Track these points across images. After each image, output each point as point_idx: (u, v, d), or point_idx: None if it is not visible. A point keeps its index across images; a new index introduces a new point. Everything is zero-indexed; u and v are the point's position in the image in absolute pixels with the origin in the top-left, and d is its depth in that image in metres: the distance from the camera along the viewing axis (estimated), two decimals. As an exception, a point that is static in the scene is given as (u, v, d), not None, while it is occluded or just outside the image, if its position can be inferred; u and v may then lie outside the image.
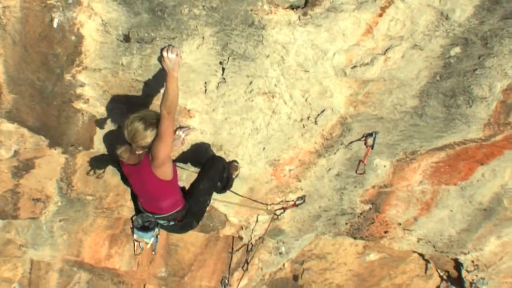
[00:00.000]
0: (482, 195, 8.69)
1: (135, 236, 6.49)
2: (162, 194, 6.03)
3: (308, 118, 6.50)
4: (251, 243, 10.34)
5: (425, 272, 12.64)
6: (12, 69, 5.48)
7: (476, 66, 5.93)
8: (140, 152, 5.57)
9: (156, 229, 6.35)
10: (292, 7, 5.23)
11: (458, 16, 5.33)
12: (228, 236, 10.31)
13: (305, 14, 5.21)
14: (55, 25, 5.22)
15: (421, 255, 11.89)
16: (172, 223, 6.34)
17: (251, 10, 5.17)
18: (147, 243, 6.54)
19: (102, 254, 10.22)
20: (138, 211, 6.41)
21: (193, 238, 10.48)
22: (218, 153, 6.94)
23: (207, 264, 11.11)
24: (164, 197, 6.06)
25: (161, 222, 6.31)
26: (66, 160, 7.13)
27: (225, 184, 7.02)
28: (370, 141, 6.95)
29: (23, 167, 7.21)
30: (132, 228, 6.40)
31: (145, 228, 6.32)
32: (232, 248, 10.75)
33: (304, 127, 6.65)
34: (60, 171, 7.38)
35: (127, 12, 5.11)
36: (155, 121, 5.40)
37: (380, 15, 5.31)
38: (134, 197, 6.40)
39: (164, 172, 5.65)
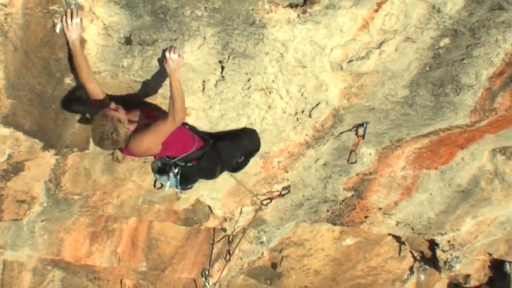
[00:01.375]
0: (461, 178, 9.01)
1: (159, 180, 6.67)
2: (162, 153, 6.11)
3: (302, 111, 6.66)
4: (233, 234, 10.47)
5: (399, 254, 12.98)
6: (12, 75, 5.48)
7: (464, 56, 6.16)
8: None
9: (172, 173, 6.39)
10: (291, 6, 5.36)
11: (449, 8, 5.54)
12: (209, 228, 10.41)
13: (304, 12, 5.35)
14: (57, 30, 5.27)
15: (396, 237, 12.20)
16: (189, 164, 6.37)
17: (252, 9, 5.28)
18: (164, 186, 6.66)
19: (83, 251, 10.23)
20: None
21: (174, 231, 10.57)
22: (211, 149, 7.03)
23: (187, 257, 11.20)
24: (165, 151, 6.10)
25: (179, 163, 6.36)
26: (57, 161, 7.14)
27: (240, 165, 7.11)
28: (361, 131, 7.14)
29: (12, 170, 7.18)
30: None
31: (161, 171, 6.44)
32: (213, 240, 10.85)
33: (297, 120, 6.81)
34: (49, 172, 7.39)
35: (129, 15, 5.16)
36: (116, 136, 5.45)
37: (376, 11, 5.49)
38: None
39: (148, 154, 5.85)
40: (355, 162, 7.66)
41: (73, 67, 5.56)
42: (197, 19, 5.29)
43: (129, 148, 5.68)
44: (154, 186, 7.07)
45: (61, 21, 5.16)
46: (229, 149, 6.68)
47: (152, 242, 10.77)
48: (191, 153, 6.27)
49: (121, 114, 5.40)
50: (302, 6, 5.37)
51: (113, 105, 5.42)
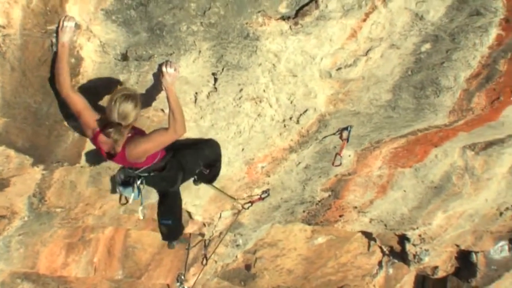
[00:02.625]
0: (434, 174, 9.34)
1: (118, 191, 6.59)
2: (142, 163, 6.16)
3: (290, 118, 6.85)
4: (209, 239, 10.61)
5: (368, 249, 13.32)
6: (8, 94, 5.50)
7: (443, 60, 6.44)
8: (118, 137, 5.64)
9: (136, 184, 6.40)
10: (283, 18, 5.53)
11: (432, 16, 5.81)
12: (186, 233, 10.52)
13: (296, 23, 5.54)
14: (55, 48, 5.29)
15: (365, 233, 12.51)
16: (152, 173, 6.37)
17: (247, 23, 5.44)
18: (128, 198, 6.61)
19: (58, 263, 10.21)
20: None
21: (151, 238, 10.65)
22: (199, 157, 7.17)
23: (163, 263, 11.30)
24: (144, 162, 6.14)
25: (143, 174, 6.36)
26: (43, 176, 7.16)
27: (212, 177, 7.23)
28: (345, 134, 7.36)
29: (-3, 186, 7.07)
30: (115, 183, 6.51)
31: (125, 183, 6.44)
32: (189, 245, 10.95)
33: (285, 126, 7.00)
34: (34, 187, 7.38)
35: (126, 32, 5.25)
36: (138, 98, 5.52)
37: (364, 20, 5.71)
38: None
39: (139, 160, 5.91)
40: (340, 164, 7.88)
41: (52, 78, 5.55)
42: (193, 34, 5.42)
43: (126, 149, 5.72)
44: (120, 201, 7.07)
45: (57, 24, 5.14)
46: (191, 158, 6.79)
47: (128, 250, 10.83)
48: (155, 163, 6.30)
49: None
50: (293, 18, 5.55)
51: None
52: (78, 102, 5.52)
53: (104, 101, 5.85)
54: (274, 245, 12.19)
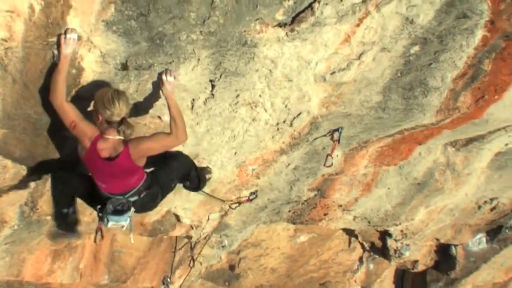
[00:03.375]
0: (417, 171, 9.57)
1: (109, 224, 6.40)
2: (133, 173, 6.16)
3: (284, 122, 6.99)
4: (195, 241, 10.70)
5: (349, 246, 13.54)
6: (9, 106, 5.55)
7: (431, 61, 6.65)
8: (115, 137, 5.70)
9: (131, 209, 6.38)
10: (280, 25, 5.67)
11: (422, 19, 6.01)
12: (171, 236, 10.60)
13: (292, 30, 5.69)
14: (56, 60, 5.35)
15: (346, 230, 12.72)
16: (142, 195, 6.41)
17: (245, 31, 5.57)
18: (123, 227, 6.52)
19: (44, 270, 10.17)
20: (95, 199, 6.40)
21: (137, 242, 10.66)
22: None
23: (149, 266, 11.34)
24: (133, 173, 6.18)
25: (132, 199, 6.36)
26: (36, 185, 7.17)
27: (197, 185, 7.32)
28: (336, 136, 7.53)
29: (-12, 196, 7.10)
30: (102, 217, 6.35)
31: (118, 212, 6.31)
32: (175, 248, 11.04)
33: (278, 130, 7.14)
34: (27, 195, 7.39)
35: (126, 42, 5.33)
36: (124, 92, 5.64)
37: (358, 25, 5.88)
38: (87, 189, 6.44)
39: (142, 161, 5.96)
40: (331, 165, 8.04)
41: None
42: (192, 43, 5.53)
43: (130, 147, 5.76)
44: (95, 240, 7.14)
45: (58, 37, 5.19)
46: (163, 174, 6.78)
47: (114, 254, 10.85)
48: (144, 182, 6.38)
49: None
50: (290, 25, 5.69)
51: None
52: (72, 113, 5.55)
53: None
54: (258, 245, 12.33)
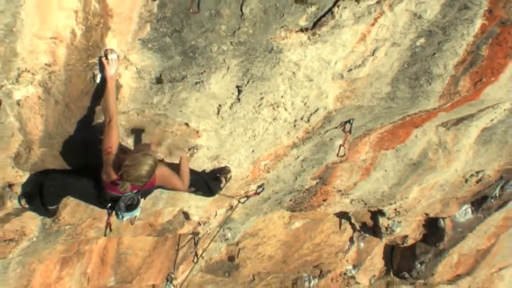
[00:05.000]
0: (413, 153, 10.03)
1: (124, 219, 6.79)
2: None
3: (301, 118, 7.35)
4: (196, 236, 10.99)
5: (340, 227, 13.97)
6: (51, 126, 5.79)
7: (435, 51, 7.08)
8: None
9: (140, 200, 6.75)
10: (302, 30, 6.03)
11: (428, 14, 6.43)
12: (176, 234, 10.86)
13: (314, 34, 6.05)
14: (98, 80, 5.61)
15: (337, 213, 13.13)
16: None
17: (271, 38, 5.91)
18: (135, 216, 6.93)
19: (52, 278, 10.29)
20: (99, 199, 6.75)
21: (142, 243, 10.92)
22: (213, 162, 7.58)
23: (154, 265, 11.57)
24: None
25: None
26: (61, 197, 7.38)
27: (208, 193, 7.75)
28: (347, 127, 7.92)
29: (15, 212, 7.34)
30: (116, 214, 6.71)
31: (131, 207, 6.66)
32: (178, 245, 11.30)
33: (295, 126, 7.49)
34: (50, 209, 7.58)
35: (161, 58, 5.61)
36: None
37: (373, 25, 6.27)
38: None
39: None
40: (344, 155, 8.43)
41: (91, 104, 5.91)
42: (223, 53, 5.84)
43: (157, 181, 6.30)
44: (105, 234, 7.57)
45: (100, 59, 5.45)
46: None
47: (121, 257, 11.03)
48: None
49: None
50: (311, 29, 6.04)
51: (150, 145, 5.96)
52: (115, 138, 5.86)
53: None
54: (255, 234, 12.65)
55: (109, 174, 5.89)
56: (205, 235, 10.73)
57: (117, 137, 5.79)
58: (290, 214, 12.32)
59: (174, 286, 11.95)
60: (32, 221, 7.84)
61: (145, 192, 6.62)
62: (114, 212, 6.56)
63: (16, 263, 9.33)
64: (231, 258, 12.86)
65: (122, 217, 6.63)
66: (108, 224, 6.97)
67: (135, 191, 6.37)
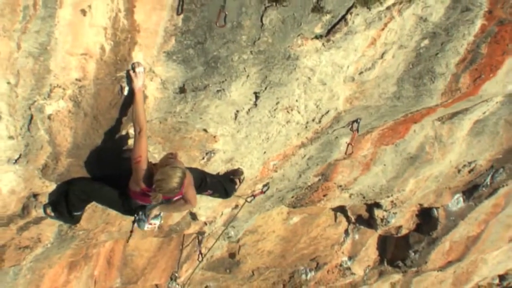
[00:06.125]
0: (411, 147, 10.38)
1: (147, 227, 7.10)
2: None
3: (313, 120, 7.64)
4: (201, 235, 11.22)
5: (335, 221, 14.28)
6: (80, 138, 6.00)
7: (438, 51, 7.40)
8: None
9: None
10: (317, 37, 6.32)
11: (434, 17, 6.76)
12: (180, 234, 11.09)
13: (328, 40, 6.35)
14: (125, 92, 5.85)
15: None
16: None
17: (289, 46, 6.20)
18: (156, 225, 7.22)
19: (60, 282, 10.41)
20: (124, 208, 7.03)
21: (147, 244, 11.10)
22: (226, 165, 7.85)
23: (159, 265, 11.75)
24: None
25: None
26: (79, 204, 7.59)
27: (229, 191, 8.02)
28: (355, 126, 8.23)
29: (34, 220, 7.50)
30: (139, 222, 7.04)
31: (154, 215, 6.98)
32: (183, 244, 11.52)
33: (306, 128, 7.78)
34: (69, 215, 7.78)
35: (185, 68, 5.85)
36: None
37: (383, 29, 6.58)
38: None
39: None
40: (352, 153, 8.74)
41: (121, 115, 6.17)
42: (243, 62, 6.10)
43: (184, 194, 6.53)
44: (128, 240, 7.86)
45: (127, 72, 5.69)
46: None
47: (127, 258, 11.20)
48: None
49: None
50: (326, 36, 6.34)
51: (177, 156, 6.21)
52: (144, 147, 6.09)
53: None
54: (255, 231, 12.89)
55: (139, 184, 6.12)
56: (211, 234, 10.91)
57: (146, 147, 6.03)
58: (288, 209, 12.55)
59: (178, 284, 12.10)
60: (49, 228, 7.99)
61: (167, 201, 6.78)
62: (137, 220, 6.74)
63: (27, 269, 9.43)
64: (231, 255, 13.09)
65: (144, 225, 6.91)
66: (132, 232, 7.16)
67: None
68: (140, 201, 6.47)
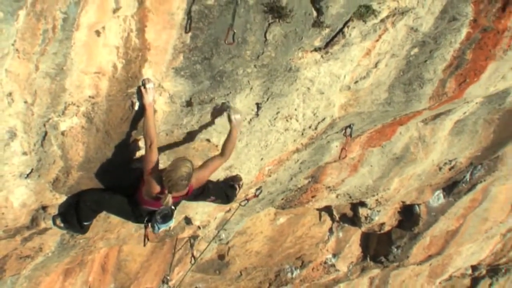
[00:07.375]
0: (396, 148, 10.74)
1: (159, 230, 7.32)
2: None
3: (309, 127, 7.94)
4: (192, 239, 11.46)
5: (320, 220, 14.61)
6: (91, 152, 6.22)
7: (426, 58, 7.75)
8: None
9: (174, 210, 7.24)
10: (316, 49, 6.63)
11: (424, 27, 7.11)
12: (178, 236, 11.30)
13: (326, 52, 6.66)
14: (136, 108, 6.08)
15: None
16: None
17: (290, 59, 6.49)
18: (170, 227, 7.63)
19: (55, 289, 10.60)
20: (134, 214, 7.26)
21: (140, 248, 11.21)
22: (225, 172, 8.12)
23: (151, 269, 11.94)
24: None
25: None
26: (82, 214, 7.79)
27: (230, 197, 8.31)
28: (348, 131, 8.56)
29: (39, 232, 7.65)
30: (152, 226, 7.22)
31: (166, 218, 7.16)
32: (175, 248, 11.73)
33: (302, 134, 8.09)
34: (71, 225, 7.97)
35: (192, 83, 6.08)
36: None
37: (377, 40, 6.92)
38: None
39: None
40: (346, 157, 9.06)
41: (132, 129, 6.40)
42: (247, 75, 6.37)
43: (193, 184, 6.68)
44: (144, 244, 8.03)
45: (138, 88, 5.91)
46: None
47: (121, 263, 11.36)
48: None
49: None
50: (324, 48, 6.65)
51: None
52: (155, 159, 6.37)
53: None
54: (244, 232, 13.15)
55: (152, 189, 6.41)
56: (201, 237, 11.13)
57: (157, 158, 6.27)
58: (275, 210, 12.82)
59: (169, 287, 12.31)
60: (51, 238, 8.13)
61: (177, 203, 7.06)
62: (150, 225, 6.97)
63: (24, 278, 9.48)
64: (221, 257, 13.33)
65: (158, 229, 7.14)
66: (146, 236, 7.40)
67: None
68: (151, 207, 6.67)
